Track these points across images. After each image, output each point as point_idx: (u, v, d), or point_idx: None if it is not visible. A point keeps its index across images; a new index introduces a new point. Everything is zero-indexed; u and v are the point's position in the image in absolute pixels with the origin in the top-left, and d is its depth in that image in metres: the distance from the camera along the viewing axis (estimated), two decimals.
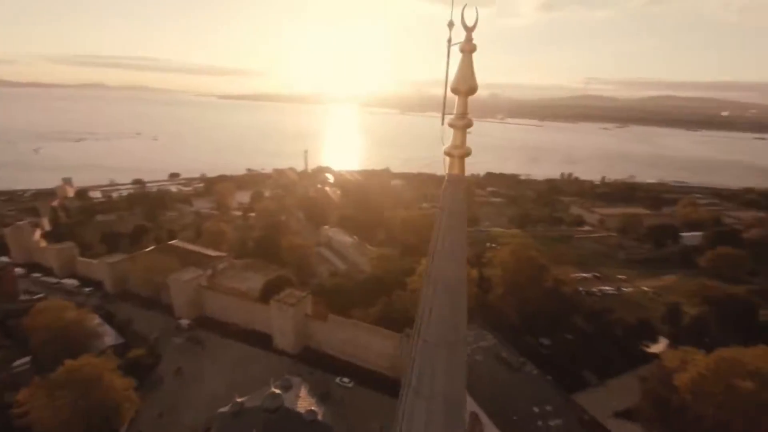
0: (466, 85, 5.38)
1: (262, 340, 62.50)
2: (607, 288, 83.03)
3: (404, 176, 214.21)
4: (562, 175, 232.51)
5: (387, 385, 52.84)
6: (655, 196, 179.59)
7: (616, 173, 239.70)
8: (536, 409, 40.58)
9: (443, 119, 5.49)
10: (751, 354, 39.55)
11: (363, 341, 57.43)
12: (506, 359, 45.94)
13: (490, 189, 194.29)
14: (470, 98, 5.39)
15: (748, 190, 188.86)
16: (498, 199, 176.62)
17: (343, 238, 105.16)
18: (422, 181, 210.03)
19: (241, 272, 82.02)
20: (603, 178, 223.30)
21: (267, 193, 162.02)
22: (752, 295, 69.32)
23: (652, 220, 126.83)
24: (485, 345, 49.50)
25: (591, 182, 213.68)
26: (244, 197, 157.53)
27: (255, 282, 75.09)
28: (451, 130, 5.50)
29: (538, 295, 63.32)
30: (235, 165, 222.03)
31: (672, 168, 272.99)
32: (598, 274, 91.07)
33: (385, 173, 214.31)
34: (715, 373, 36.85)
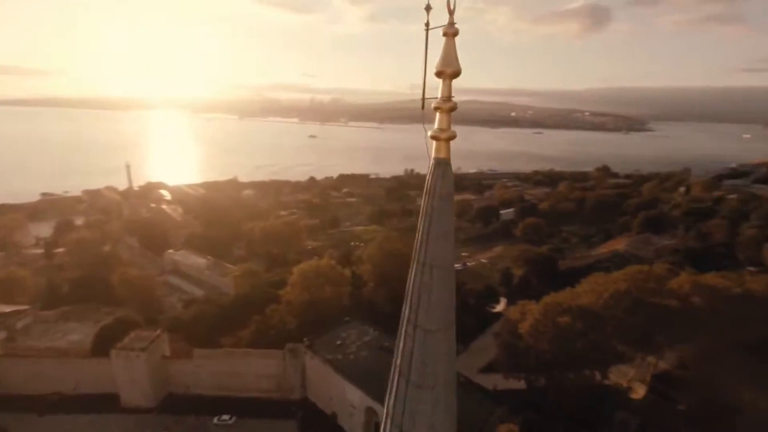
0: (451, 68, 5.26)
1: (103, 403, 49.97)
2: (456, 265, 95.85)
3: (255, 185, 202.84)
4: (405, 171, 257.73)
5: (274, 407, 49.34)
6: (478, 182, 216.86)
7: None
8: None
9: (423, 103, 5.24)
10: (563, 296, 51.83)
11: (240, 369, 51.97)
12: (389, 348, 48.36)
13: (345, 190, 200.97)
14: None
15: (536, 173, 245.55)
16: (353, 199, 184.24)
17: (195, 261, 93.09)
18: (276, 188, 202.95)
19: (55, 325, 64.01)
20: None
21: (80, 221, 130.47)
22: (552, 252, 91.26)
23: (479, 203, 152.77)
24: (368, 339, 51.09)
25: None
26: (43, 230, 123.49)
27: (81, 333, 59.86)
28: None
29: (405, 282, 68.56)
30: (21, 190, 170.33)
31: (485, 159, 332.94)
32: None
33: (234, 183, 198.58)
34: (544, 315, 46.80)
